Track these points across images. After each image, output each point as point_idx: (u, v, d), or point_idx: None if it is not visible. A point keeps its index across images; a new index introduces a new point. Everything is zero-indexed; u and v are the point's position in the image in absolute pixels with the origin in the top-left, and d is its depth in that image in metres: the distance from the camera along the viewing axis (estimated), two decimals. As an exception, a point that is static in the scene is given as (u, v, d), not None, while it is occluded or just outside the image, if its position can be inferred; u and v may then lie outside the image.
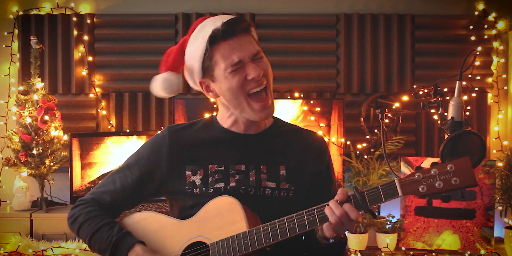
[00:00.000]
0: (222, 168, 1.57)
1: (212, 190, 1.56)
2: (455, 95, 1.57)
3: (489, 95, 3.49)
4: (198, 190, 1.56)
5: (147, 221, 1.61)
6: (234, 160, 1.59)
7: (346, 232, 1.59)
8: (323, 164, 1.67)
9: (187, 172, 1.58)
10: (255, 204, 1.52)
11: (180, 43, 1.60)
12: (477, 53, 3.41)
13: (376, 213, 3.09)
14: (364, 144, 3.29)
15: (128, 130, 3.43)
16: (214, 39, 1.50)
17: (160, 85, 1.60)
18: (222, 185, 1.56)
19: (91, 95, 3.47)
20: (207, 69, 1.54)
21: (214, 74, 1.53)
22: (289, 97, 3.34)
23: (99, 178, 3.12)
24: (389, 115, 3.28)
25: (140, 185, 1.62)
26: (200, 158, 1.59)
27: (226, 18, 1.54)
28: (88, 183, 3.09)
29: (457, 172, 1.29)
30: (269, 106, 1.54)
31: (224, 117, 1.63)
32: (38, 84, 3.10)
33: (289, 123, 1.75)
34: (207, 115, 1.98)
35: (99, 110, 3.48)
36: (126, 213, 1.69)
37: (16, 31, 3.45)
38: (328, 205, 1.39)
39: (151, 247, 1.54)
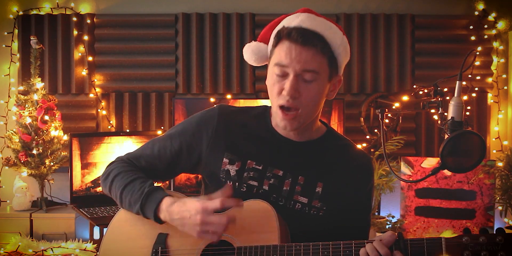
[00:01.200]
0: (260, 168, 1.51)
1: (245, 188, 1.51)
2: (455, 95, 1.56)
3: (489, 95, 3.49)
4: (231, 182, 1.51)
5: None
6: (274, 162, 1.52)
7: None
8: (365, 190, 1.56)
9: (224, 159, 1.53)
10: (283, 216, 1.46)
11: (278, 19, 1.58)
12: (477, 53, 3.41)
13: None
14: (364, 144, 3.29)
15: (128, 130, 3.43)
16: (281, 36, 1.46)
17: (247, 51, 1.58)
18: (255, 183, 1.50)
19: (91, 95, 3.47)
20: (270, 54, 1.51)
21: (270, 62, 1.50)
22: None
23: (99, 178, 3.11)
24: (389, 115, 3.28)
25: (178, 158, 1.57)
26: (241, 150, 1.53)
27: (309, 22, 1.52)
28: (89, 183, 3.09)
29: (505, 247, 1.25)
30: (292, 123, 1.46)
31: (273, 113, 1.55)
32: (38, 84, 3.10)
33: (342, 136, 1.65)
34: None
35: (99, 110, 3.48)
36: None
37: (16, 31, 3.45)
38: (371, 243, 1.32)
39: (176, 228, 1.45)
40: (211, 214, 1.36)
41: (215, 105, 1.61)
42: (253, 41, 1.59)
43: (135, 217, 1.52)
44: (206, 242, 1.46)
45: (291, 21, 1.50)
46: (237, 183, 1.51)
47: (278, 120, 1.47)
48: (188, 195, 1.54)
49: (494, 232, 1.29)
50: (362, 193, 1.56)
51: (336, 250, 1.35)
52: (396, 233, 1.34)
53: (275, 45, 1.47)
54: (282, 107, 1.44)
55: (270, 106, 1.58)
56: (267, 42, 1.56)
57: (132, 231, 1.52)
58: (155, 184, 1.50)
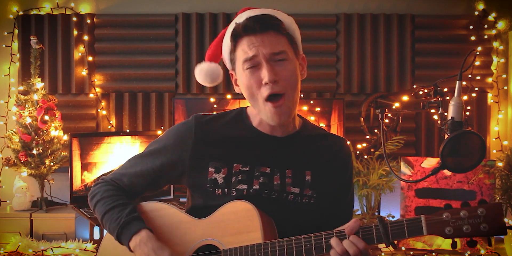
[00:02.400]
0: (247, 169, 1.52)
1: (234, 193, 1.51)
2: (455, 95, 1.56)
3: (489, 95, 3.49)
4: (220, 191, 1.52)
5: (161, 212, 1.57)
6: (260, 161, 1.53)
7: None
8: (347, 173, 1.62)
9: (210, 168, 1.53)
10: (276, 209, 1.49)
11: (220, 35, 1.58)
12: (477, 53, 3.41)
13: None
14: (364, 144, 3.29)
15: (128, 130, 3.43)
16: (237, 34, 1.47)
17: (200, 74, 1.61)
18: (245, 187, 1.51)
19: (91, 95, 3.47)
20: (232, 62, 1.52)
21: (235, 68, 1.51)
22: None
23: (99, 178, 3.11)
24: (389, 115, 3.28)
25: (161, 173, 1.59)
26: (225, 156, 1.53)
27: (255, 12, 1.50)
28: (89, 183, 3.09)
29: (487, 218, 1.23)
30: (283, 113, 1.46)
31: (253, 113, 1.58)
32: (38, 84, 3.10)
33: (318, 126, 1.69)
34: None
35: (99, 110, 3.48)
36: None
37: (16, 31, 3.45)
38: (347, 239, 1.33)
39: (162, 239, 1.51)
40: None
41: (190, 117, 1.61)
42: (203, 62, 1.62)
43: None
44: (193, 248, 1.49)
45: (238, 19, 1.50)
46: (226, 190, 1.52)
47: (269, 115, 1.47)
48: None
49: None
50: (346, 175, 1.62)
51: (318, 241, 1.36)
52: (377, 217, 1.34)
53: (234, 49, 1.49)
54: (269, 98, 1.45)
55: (246, 107, 1.61)
56: (217, 60, 1.60)
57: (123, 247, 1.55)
58: (132, 214, 1.53)
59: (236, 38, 1.47)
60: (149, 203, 1.61)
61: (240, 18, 1.49)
